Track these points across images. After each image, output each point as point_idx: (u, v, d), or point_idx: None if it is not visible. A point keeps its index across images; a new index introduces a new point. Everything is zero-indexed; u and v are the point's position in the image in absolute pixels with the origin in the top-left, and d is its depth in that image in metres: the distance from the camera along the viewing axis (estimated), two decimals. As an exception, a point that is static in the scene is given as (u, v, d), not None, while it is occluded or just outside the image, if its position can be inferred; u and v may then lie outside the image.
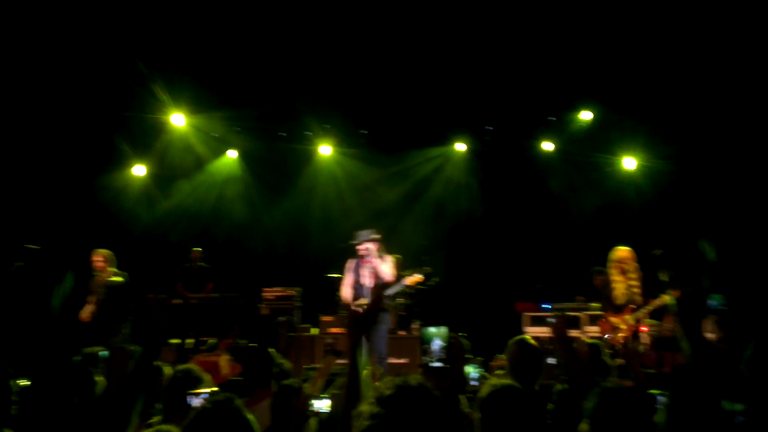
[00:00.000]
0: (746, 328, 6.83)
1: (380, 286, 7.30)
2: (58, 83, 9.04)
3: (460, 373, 2.55)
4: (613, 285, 6.95)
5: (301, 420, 3.33)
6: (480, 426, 2.67)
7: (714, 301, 6.31)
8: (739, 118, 9.02)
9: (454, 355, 2.52)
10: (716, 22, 7.88)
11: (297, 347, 8.60)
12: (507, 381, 2.88)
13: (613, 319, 6.97)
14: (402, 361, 8.30)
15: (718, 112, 9.07)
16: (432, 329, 2.61)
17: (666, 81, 8.96)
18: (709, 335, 6.69)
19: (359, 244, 7.44)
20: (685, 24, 8.01)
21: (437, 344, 2.57)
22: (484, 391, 2.76)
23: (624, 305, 6.87)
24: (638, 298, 6.77)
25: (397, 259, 9.82)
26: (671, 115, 9.48)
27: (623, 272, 6.87)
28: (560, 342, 3.18)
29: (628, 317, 6.80)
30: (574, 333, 8.16)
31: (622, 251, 6.92)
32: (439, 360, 2.53)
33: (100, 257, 7.92)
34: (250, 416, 2.31)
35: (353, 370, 2.48)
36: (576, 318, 8.50)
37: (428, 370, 2.51)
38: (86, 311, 7.89)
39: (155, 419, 3.48)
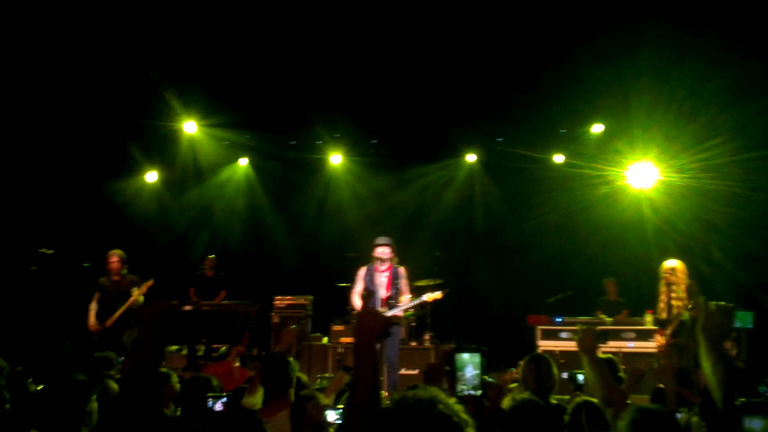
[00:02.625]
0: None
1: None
2: (73, 91, 9.11)
3: (497, 405, 2.44)
4: (658, 298, 6.77)
5: (317, 431, 3.31)
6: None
7: (738, 320, 6.17)
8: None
9: (490, 385, 2.40)
10: (719, 29, 7.84)
11: (308, 356, 8.57)
12: (527, 395, 2.87)
13: (657, 335, 6.84)
14: (413, 372, 8.26)
15: (731, 123, 9.00)
16: (465, 356, 2.50)
17: (675, 93, 8.92)
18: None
19: (379, 246, 7.38)
20: (693, 34, 7.97)
21: (471, 372, 2.47)
22: (505, 405, 2.75)
23: (666, 321, 6.69)
24: (683, 313, 6.47)
25: (406, 269, 9.83)
26: (683, 127, 9.43)
27: (668, 285, 6.63)
28: (588, 357, 3.04)
29: (668, 332, 6.64)
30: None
31: (668, 264, 6.68)
32: (473, 388, 2.42)
33: (115, 258, 7.98)
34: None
35: (368, 378, 2.06)
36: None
37: (462, 399, 2.41)
38: (111, 319, 7.88)
39: None
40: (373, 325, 2.12)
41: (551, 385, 4.02)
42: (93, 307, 7.97)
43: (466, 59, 9.04)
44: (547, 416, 2.82)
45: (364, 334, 2.11)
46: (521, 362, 4.26)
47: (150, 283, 7.70)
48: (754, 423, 2.34)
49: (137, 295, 7.76)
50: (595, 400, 2.93)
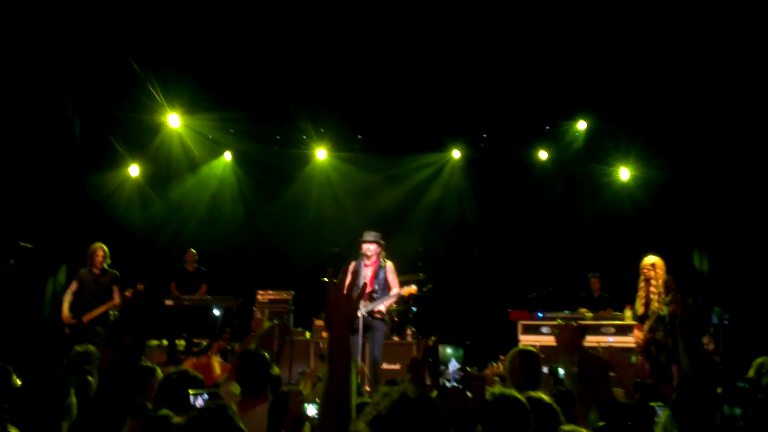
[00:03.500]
0: (742, 341, 6.83)
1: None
2: (53, 82, 8.99)
3: (481, 398, 2.41)
4: (637, 294, 6.86)
5: (295, 425, 3.30)
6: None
7: (715, 315, 6.27)
8: (733, 127, 9.06)
9: (473, 377, 2.37)
10: (710, 29, 7.92)
11: (290, 351, 8.54)
12: (506, 390, 2.86)
13: (635, 330, 6.91)
14: (395, 367, 8.26)
15: (713, 121, 9.11)
16: (449, 350, 2.49)
17: (661, 91, 9.00)
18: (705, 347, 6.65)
19: (364, 243, 7.40)
20: (679, 32, 8.05)
21: (454, 365, 2.45)
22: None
23: (644, 316, 6.74)
24: (662, 308, 6.58)
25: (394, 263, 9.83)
26: (666, 126, 9.52)
27: (646, 281, 6.73)
28: (580, 354, 2.98)
29: (646, 327, 6.70)
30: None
31: (647, 260, 6.78)
32: (455, 381, 2.41)
33: (101, 252, 7.90)
34: (242, 425, 2.25)
35: (340, 372, 2.04)
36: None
37: (443, 393, 2.39)
38: (89, 315, 7.80)
39: None
40: (342, 313, 2.11)
41: (538, 380, 4.05)
42: (68, 298, 7.86)
43: (452, 54, 9.04)
44: (526, 411, 2.83)
45: (335, 324, 2.10)
46: (502, 356, 4.27)
47: (141, 287, 7.61)
48: (733, 411, 2.38)
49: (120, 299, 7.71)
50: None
